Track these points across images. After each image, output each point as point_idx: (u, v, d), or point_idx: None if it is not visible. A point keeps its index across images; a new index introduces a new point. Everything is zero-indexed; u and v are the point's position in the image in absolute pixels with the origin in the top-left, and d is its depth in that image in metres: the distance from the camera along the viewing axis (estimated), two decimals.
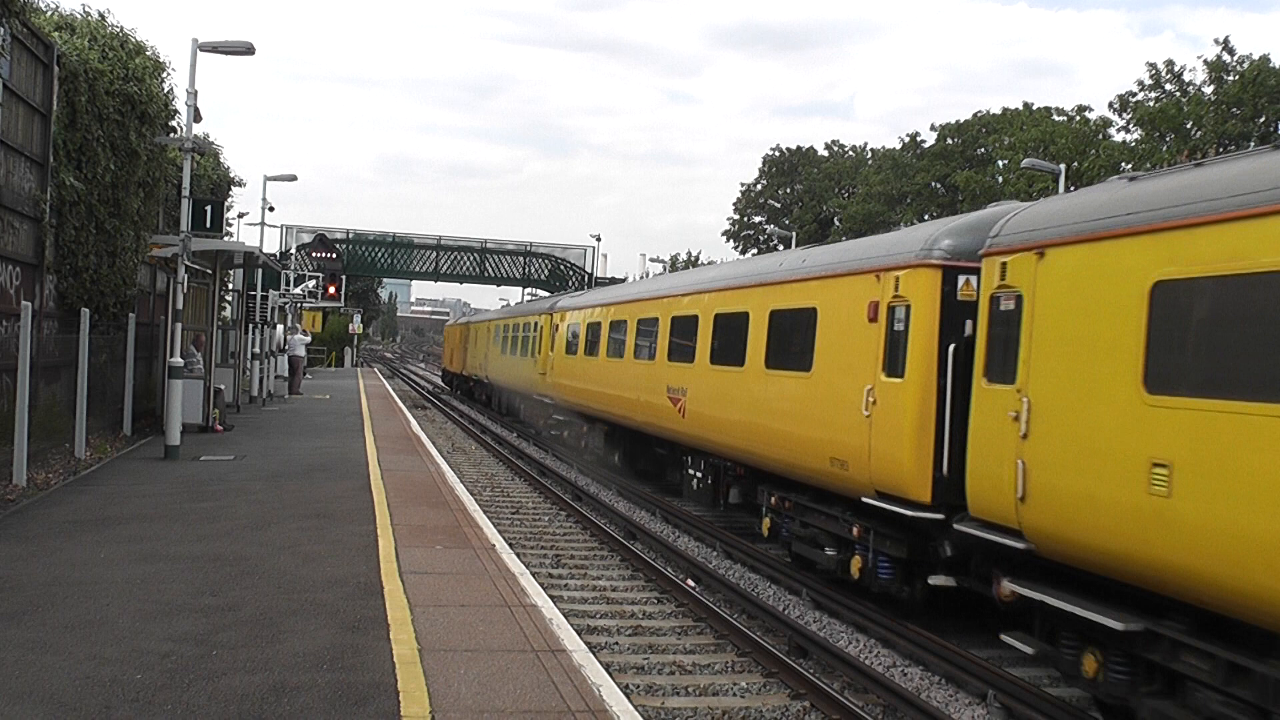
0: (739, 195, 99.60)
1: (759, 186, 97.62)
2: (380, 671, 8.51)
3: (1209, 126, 47.72)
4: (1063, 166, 37.96)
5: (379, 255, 69.59)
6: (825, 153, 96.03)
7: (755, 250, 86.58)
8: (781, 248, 56.35)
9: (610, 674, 9.57)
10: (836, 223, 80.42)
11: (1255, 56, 48.00)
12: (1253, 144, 45.74)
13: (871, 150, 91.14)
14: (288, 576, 11.66)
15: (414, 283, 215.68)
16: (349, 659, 8.81)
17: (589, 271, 71.97)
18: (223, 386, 29.40)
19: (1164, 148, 48.19)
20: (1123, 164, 49.25)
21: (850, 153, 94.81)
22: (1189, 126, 49.08)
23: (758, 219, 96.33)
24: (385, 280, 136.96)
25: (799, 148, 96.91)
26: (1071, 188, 39.88)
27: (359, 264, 69.28)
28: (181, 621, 9.78)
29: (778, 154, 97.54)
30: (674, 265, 79.99)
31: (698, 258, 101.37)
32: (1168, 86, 52.30)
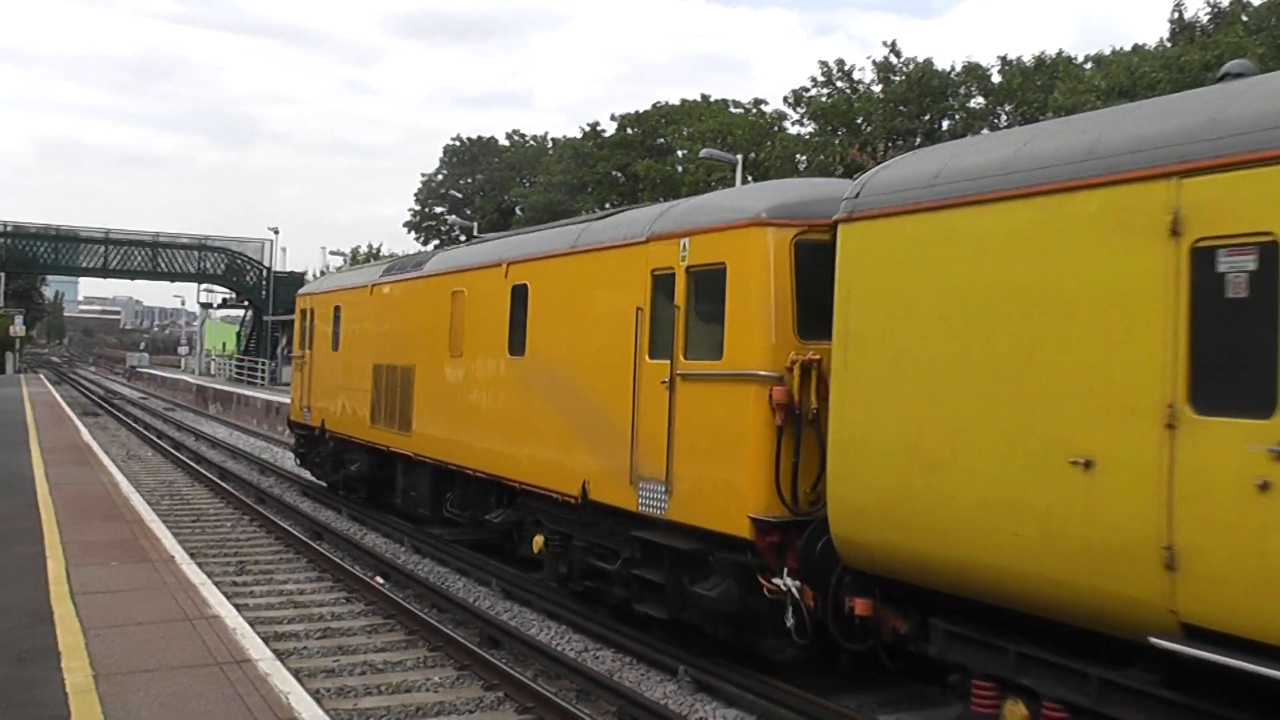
0: (420, 186, 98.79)
1: (440, 177, 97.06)
2: (52, 705, 8.12)
3: (879, 122, 50.71)
4: (740, 157, 39.41)
5: (41, 250, 65.68)
6: (506, 142, 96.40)
7: (438, 242, 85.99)
8: (464, 238, 56.30)
9: (300, 680, 9.49)
10: (519, 212, 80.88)
11: (920, 59, 51.59)
12: (919, 140, 49.01)
13: (553, 140, 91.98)
14: None
15: (82, 280, 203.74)
16: (17, 695, 8.35)
17: (267, 266, 70.00)
18: None
19: (836, 140, 50.80)
20: (797, 155, 51.67)
21: (531, 142, 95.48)
22: (860, 122, 51.95)
23: (439, 209, 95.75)
24: (49, 277, 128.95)
25: (480, 137, 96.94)
26: (749, 178, 41.56)
27: (19, 259, 65.12)
28: None
29: (459, 144, 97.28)
30: (355, 258, 78.59)
31: (379, 250, 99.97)
32: (839, 84, 55.11)
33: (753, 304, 10.66)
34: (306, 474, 26.42)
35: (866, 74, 53.91)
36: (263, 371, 63.18)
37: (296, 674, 10.06)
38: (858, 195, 9.79)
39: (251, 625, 10.83)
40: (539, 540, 14.48)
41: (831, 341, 9.93)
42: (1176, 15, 43.85)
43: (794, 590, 10.14)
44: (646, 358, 12.12)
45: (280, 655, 10.68)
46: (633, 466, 12.17)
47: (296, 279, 72.99)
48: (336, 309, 23.62)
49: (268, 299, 67.50)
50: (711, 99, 70.15)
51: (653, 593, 12.10)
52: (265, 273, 69.21)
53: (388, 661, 12.33)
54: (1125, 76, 39.60)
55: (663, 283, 12.01)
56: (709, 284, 11.30)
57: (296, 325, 27.35)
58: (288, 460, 31.61)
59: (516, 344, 15.22)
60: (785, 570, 10.22)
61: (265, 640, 10.46)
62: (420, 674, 11.93)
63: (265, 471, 29.02)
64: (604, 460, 12.79)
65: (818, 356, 10.23)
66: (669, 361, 11.65)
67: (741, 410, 10.63)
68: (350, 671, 11.95)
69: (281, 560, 17.81)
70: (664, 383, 11.66)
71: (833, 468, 9.71)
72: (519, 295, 15.24)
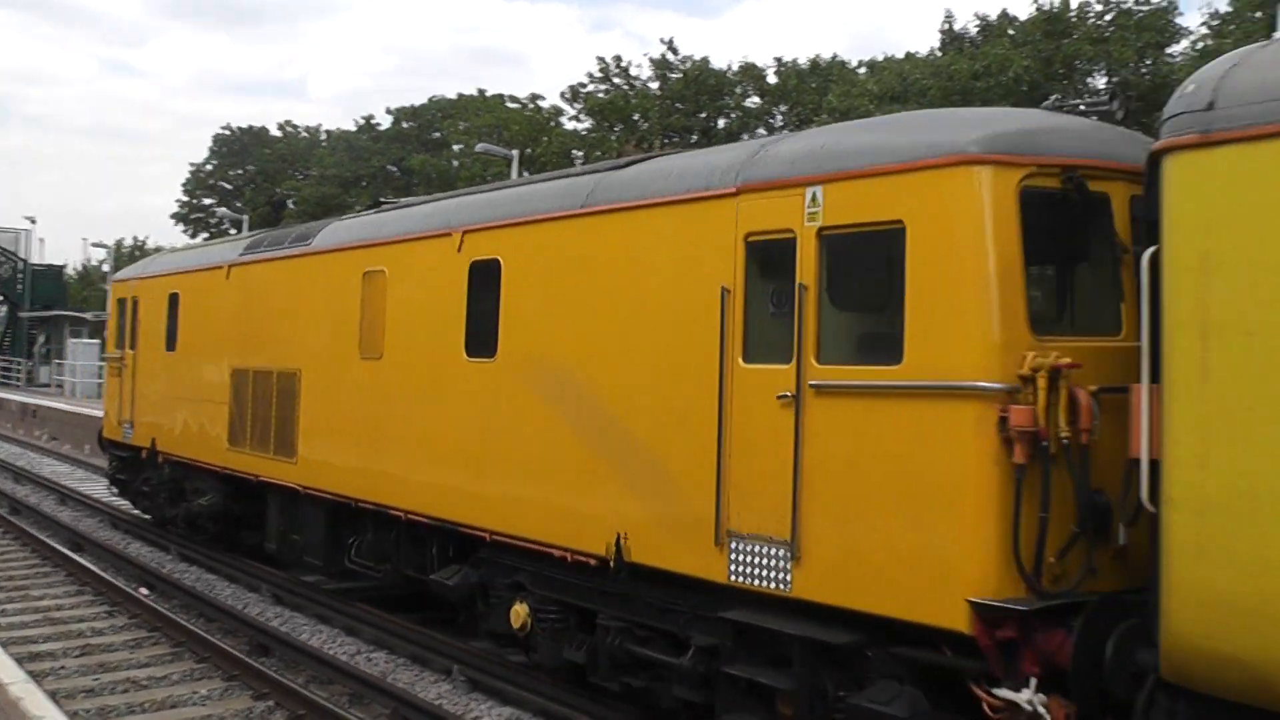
0: (189, 176, 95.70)
1: (209, 167, 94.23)
2: None
3: (655, 119, 51.72)
4: (516, 152, 39.50)
5: None
6: (278, 133, 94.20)
7: (207, 235, 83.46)
8: (234, 231, 54.85)
9: (56, 702, 9.22)
10: (290, 205, 79.14)
11: (697, 58, 52.95)
12: (695, 137, 50.08)
13: (326, 132, 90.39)
14: None
15: None
16: None
17: (24, 258, 66.68)
18: None
19: (613, 137, 51.46)
20: (573, 151, 52.18)
21: (304, 134, 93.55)
22: (636, 119, 52.76)
23: (209, 201, 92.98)
24: None
25: (251, 127, 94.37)
26: (525, 173, 41.73)
27: None
28: None
29: (229, 133, 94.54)
30: (119, 251, 75.55)
31: (145, 243, 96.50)
32: (616, 81, 55.83)
33: (962, 281, 7.25)
34: (112, 496, 23.04)
35: (644, 71, 54.99)
36: (18, 372, 60.22)
37: (53, 696, 9.77)
38: (1210, 106, 6.24)
39: (3, 646, 10.43)
40: (521, 611, 10.88)
41: (1119, 337, 7.47)
42: (947, 26, 45.93)
43: (1041, 709, 6.86)
44: (740, 361, 8.62)
45: (35, 676, 10.33)
46: (719, 517, 8.63)
47: (56, 272, 69.76)
48: (174, 297, 18.83)
49: (24, 294, 64.22)
50: (488, 93, 70.17)
51: (754, 699, 8.54)
52: (22, 266, 65.79)
53: (152, 677, 11.97)
54: (897, 82, 41.31)
55: (766, 253, 8.53)
56: (865, 253, 7.87)
57: (112, 318, 22.33)
58: (44, 467, 30.28)
59: (480, 342, 11.38)
60: (1029, 678, 6.94)
61: (18, 661, 10.12)
62: (187, 687, 11.64)
63: (20, 479, 27.63)
64: (656, 506, 9.30)
65: (1069, 360, 7.06)
66: (790, 366, 8.19)
67: (951, 440, 7.26)
68: (112, 690, 11.55)
69: (38, 574, 17.05)
70: (783, 397, 8.18)
71: (1184, 537, 6.25)
72: (483, 275, 11.43)
